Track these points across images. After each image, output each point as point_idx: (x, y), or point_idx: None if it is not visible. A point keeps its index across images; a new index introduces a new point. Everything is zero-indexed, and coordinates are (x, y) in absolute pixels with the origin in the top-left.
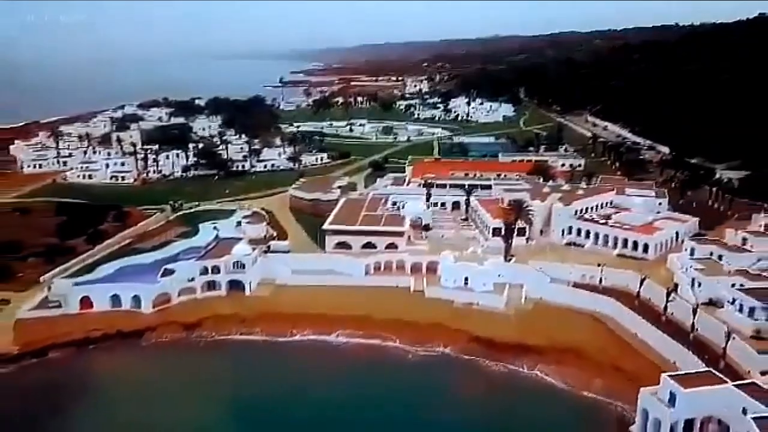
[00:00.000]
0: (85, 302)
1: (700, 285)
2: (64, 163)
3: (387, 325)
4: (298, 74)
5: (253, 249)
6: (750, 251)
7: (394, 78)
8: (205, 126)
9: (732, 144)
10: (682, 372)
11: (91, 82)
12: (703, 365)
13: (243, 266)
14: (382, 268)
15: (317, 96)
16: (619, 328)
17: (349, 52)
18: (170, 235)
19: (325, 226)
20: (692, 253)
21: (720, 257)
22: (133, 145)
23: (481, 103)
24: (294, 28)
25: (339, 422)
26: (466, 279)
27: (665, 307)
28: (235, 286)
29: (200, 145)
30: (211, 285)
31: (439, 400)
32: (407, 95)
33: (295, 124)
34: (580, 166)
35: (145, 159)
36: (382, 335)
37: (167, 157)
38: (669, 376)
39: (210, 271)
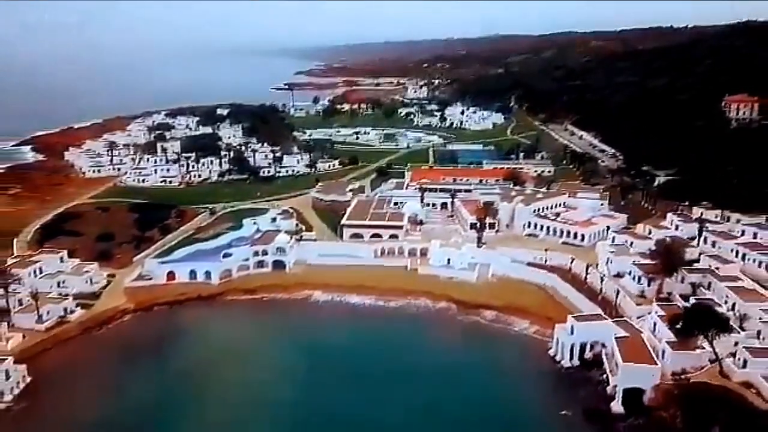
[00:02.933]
0: (170, 276)
1: (611, 262)
2: (118, 169)
3: (390, 292)
4: (301, 75)
5: (290, 238)
6: (651, 239)
7: (395, 82)
8: (230, 134)
9: (672, 154)
10: (582, 314)
11: (98, 86)
12: (602, 313)
13: (284, 250)
14: (387, 252)
15: (325, 101)
16: (556, 294)
17: (349, 51)
18: (220, 229)
19: (343, 221)
20: (613, 240)
21: (631, 244)
22: (177, 153)
23: (475, 111)
24: (292, 26)
25: (355, 350)
26: (449, 260)
27: (585, 278)
28: (278, 265)
29: (231, 153)
30: (260, 264)
31: (432, 333)
32: (407, 101)
33: (308, 132)
34: (549, 172)
35: (187, 165)
36: (388, 298)
37: (203, 164)
38: (571, 316)
39: (260, 254)
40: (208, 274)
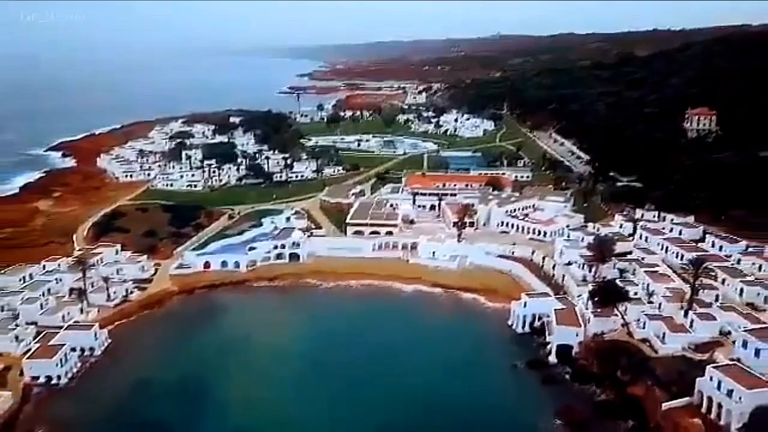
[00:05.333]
0: (206, 265)
1: (564, 254)
2: (148, 174)
3: (387, 278)
4: (304, 77)
5: (303, 234)
6: (597, 233)
7: (395, 86)
8: (244, 142)
9: (634, 162)
10: (533, 292)
11: (103, 88)
12: (551, 292)
13: (299, 244)
14: (383, 246)
15: (328, 107)
16: (520, 279)
17: (349, 50)
18: (244, 226)
19: (347, 220)
20: (568, 236)
21: (582, 239)
22: (201, 161)
23: (468, 119)
24: (292, 26)
25: (359, 320)
26: (434, 252)
27: (542, 266)
28: (294, 257)
29: (247, 160)
30: (279, 256)
31: (419, 309)
32: (406, 107)
33: (313, 139)
34: (528, 177)
35: (209, 171)
36: (385, 282)
37: (223, 170)
38: (524, 294)
39: (279, 247)
40: (237, 263)
